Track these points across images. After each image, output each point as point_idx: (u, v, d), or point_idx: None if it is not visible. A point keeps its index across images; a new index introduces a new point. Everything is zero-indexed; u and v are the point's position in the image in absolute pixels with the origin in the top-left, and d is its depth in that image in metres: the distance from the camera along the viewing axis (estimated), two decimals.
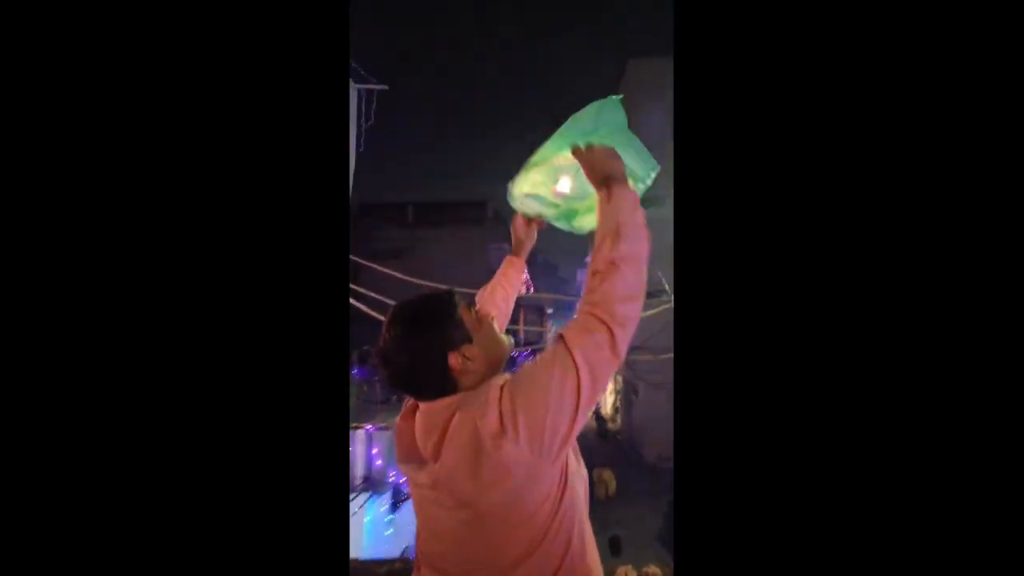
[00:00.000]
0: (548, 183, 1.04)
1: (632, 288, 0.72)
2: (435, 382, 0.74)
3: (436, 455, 0.69)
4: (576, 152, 0.86)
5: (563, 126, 0.95)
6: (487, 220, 18.39)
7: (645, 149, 0.96)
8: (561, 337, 0.72)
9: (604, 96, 0.89)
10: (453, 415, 0.69)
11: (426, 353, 0.73)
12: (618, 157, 0.84)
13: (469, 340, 0.75)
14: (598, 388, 0.69)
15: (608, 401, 15.19)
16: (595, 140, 0.87)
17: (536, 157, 1.00)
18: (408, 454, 0.74)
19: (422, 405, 0.75)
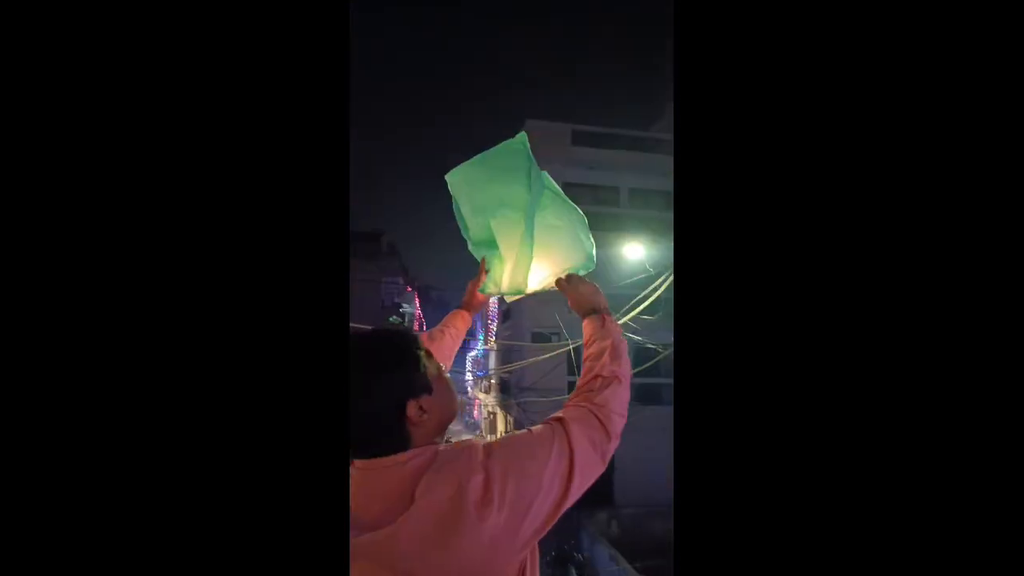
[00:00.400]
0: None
1: (625, 406, 0.75)
2: (388, 434, 0.64)
3: (385, 519, 0.58)
4: (560, 284, 0.94)
5: (484, 178, 0.98)
6: (381, 253, 17.88)
7: (572, 205, 1.01)
8: (561, 421, 0.69)
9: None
10: (415, 474, 0.61)
11: (386, 398, 0.64)
12: (600, 293, 0.91)
13: (429, 391, 0.68)
14: (583, 486, 0.66)
15: None
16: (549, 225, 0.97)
17: (512, 280, 0.99)
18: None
19: (362, 463, 0.64)
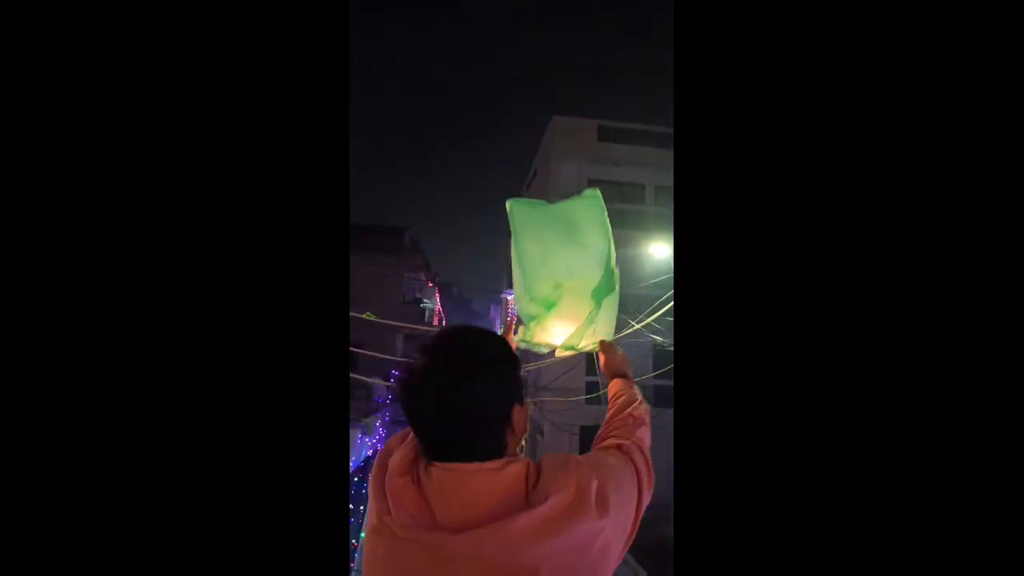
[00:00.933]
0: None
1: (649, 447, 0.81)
2: (494, 437, 0.63)
3: (471, 520, 0.57)
4: (603, 346, 1.04)
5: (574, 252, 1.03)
6: (404, 249, 18.06)
7: (616, 270, 1.06)
8: (622, 449, 0.73)
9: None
10: (515, 479, 0.60)
11: (500, 400, 0.63)
12: (628, 362, 1.03)
13: (522, 401, 0.67)
14: (642, 513, 0.69)
15: None
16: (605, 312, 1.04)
17: (570, 339, 1.03)
18: (417, 518, 0.59)
19: (446, 465, 0.61)
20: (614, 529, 0.60)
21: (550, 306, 1.04)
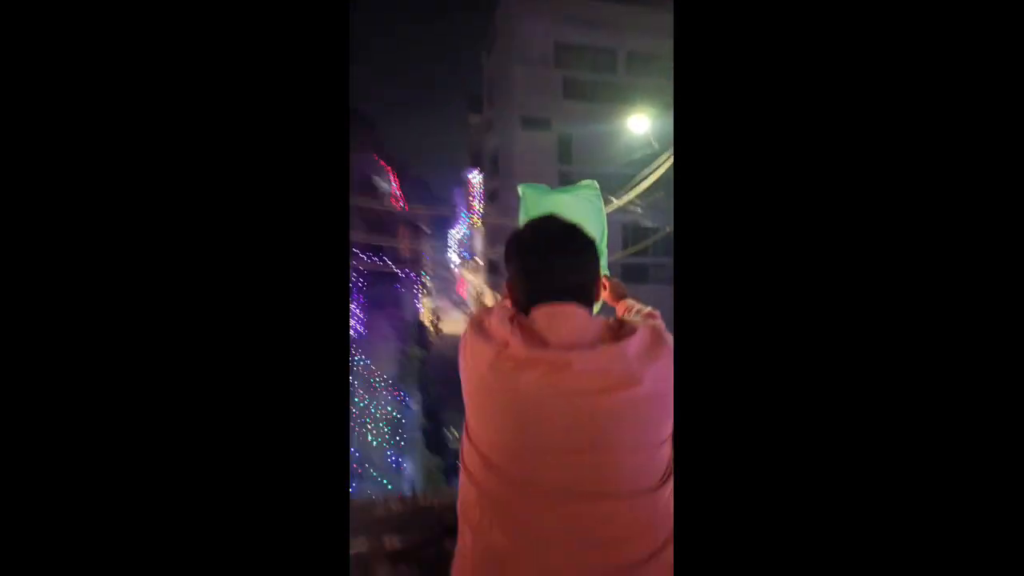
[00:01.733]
0: None
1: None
2: (584, 293, 0.82)
3: (580, 344, 0.74)
4: (605, 281, 1.22)
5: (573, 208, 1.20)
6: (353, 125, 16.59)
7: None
8: (652, 317, 0.94)
9: None
10: (604, 323, 0.78)
11: (585, 269, 0.83)
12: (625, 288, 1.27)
13: (600, 273, 0.90)
14: None
15: None
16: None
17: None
18: (533, 344, 0.75)
19: (550, 306, 0.78)
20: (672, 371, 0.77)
21: None
